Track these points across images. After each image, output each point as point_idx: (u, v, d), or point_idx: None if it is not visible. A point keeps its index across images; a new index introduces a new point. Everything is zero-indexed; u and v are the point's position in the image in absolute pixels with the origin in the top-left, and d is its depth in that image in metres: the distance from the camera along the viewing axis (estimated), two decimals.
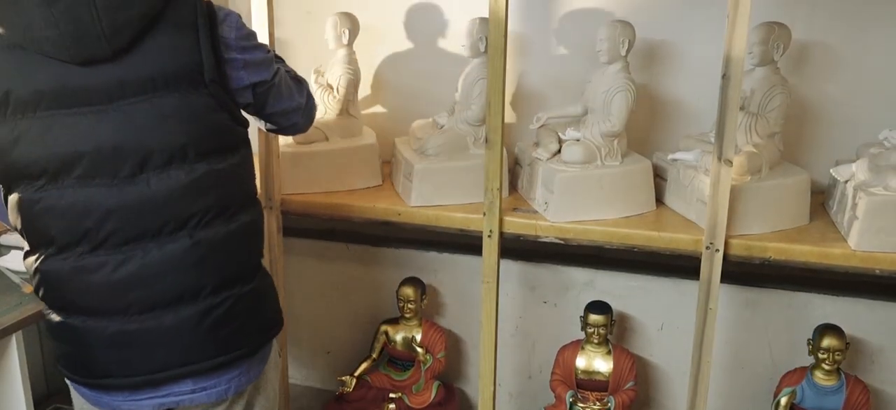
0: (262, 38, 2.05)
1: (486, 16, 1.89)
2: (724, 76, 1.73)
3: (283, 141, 2.20)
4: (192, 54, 1.31)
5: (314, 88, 2.28)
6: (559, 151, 2.05)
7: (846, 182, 1.91)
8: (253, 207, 1.47)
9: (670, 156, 2.09)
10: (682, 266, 2.15)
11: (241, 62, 1.39)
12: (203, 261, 1.36)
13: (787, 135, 2.04)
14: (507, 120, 1.99)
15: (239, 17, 1.41)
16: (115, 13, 1.24)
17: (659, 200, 2.09)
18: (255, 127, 1.58)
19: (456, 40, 2.30)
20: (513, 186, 2.21)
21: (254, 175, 1.49)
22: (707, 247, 1.84)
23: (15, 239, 1.97)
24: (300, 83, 1.62)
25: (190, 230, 1.35)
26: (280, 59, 1.62)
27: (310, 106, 1.64)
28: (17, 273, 1.83)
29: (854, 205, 1.82)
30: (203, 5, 1.33)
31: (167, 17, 1.30)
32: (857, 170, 1.88)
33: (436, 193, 2.10)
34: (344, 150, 2.24)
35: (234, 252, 1.41)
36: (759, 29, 1.93)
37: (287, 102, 1.55)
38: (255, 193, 1.50)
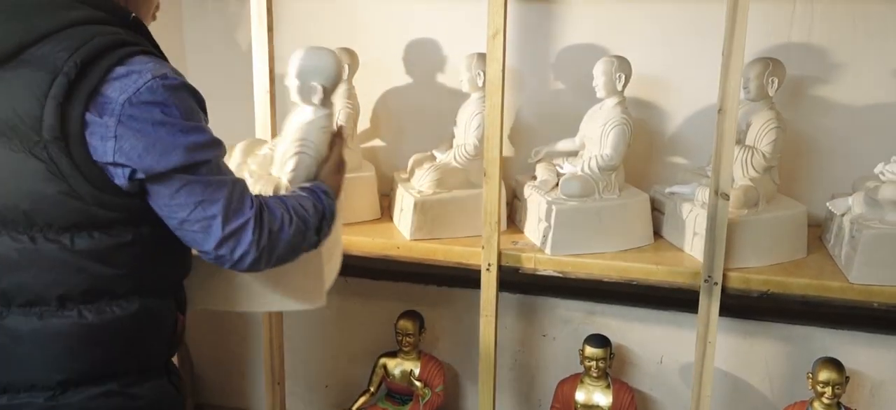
0: (262, 73, 2.06)
1: (484, 51, 1.91)
2: (719, 110, 1.74)
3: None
4: (34, 103, 1.09)
5: None
6: (557, 185, 2.06)
7: (843, 215, 1.92)
8: (140, 297, 1.24)
9: (667, 190, 2.10)
10: (680, 299, 2.14)
11: (112, 132, 1.11)
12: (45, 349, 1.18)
13: (784, 168, 2.06)
14: (505, 153, 2.00)
15: (161, 81, 1.13)
16: None
17: (657, 233, 2.10)
18: None
19: (454, 75, 2.32)
20: (511, 220, 2.22)
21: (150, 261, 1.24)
22: (705, 280, 1.84)
23: None
24: (243, 199, 1.23)
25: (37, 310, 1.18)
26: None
27: (244, 225, 1.21)
28: None
29: (851, 239, 1.83)
30: (88, 51, 1.10)
31: (33, 57, 1.10)
32: (854, 204, 1.89)
33: (434, 227, 2.10)
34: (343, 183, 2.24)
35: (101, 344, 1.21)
36: (753, 64, 1.95)
37: (192, 210, 1.17)
38: (151, 283, 1.25)
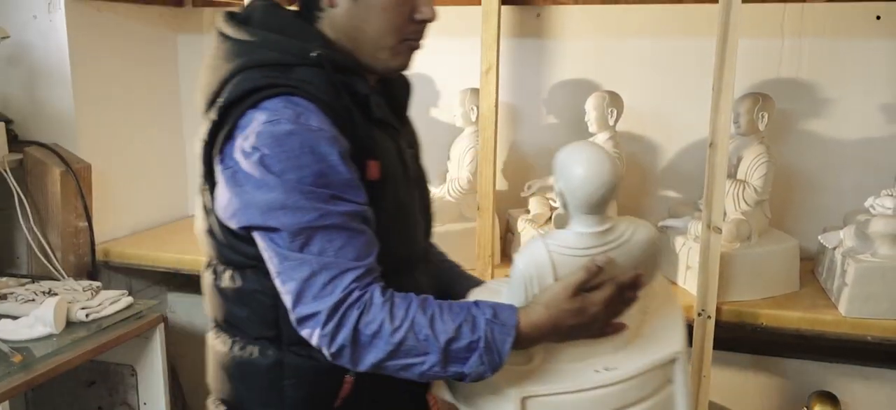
0: None
1: (477, 86, 1.93)
2: (711, 145, 1.76)
3: None
4: (200, 143, 1.13)
5: None
6: (551, 218, 2.07)
7: (835, 249, 1.93)
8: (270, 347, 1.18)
9: (661, 224, 2.10)
10: None
11: (221, 177, 1.09)
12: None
13: (775, 202, 2.07)
14: (498, 187, 2.01)
15: (269, 127, 1.03)
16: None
17: None
18: None
19: (447, 110, 2.34)
20: (505, 253, 2.22)
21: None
22: (699, 314, 1.85)
23: (5, 307, 1.96)
24: (332, 281, 1.05)
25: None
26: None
27: (315, 319, 1.05)
28: (6, 342, 1.81)
29: (843, 272, 1.84)
30: (230, 95, 1.08)
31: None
32: (845, 237, 1.90)
33: None
34: None
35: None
36: (743, 99, 1.97)
37: (278, 279, 1.08)
38: (288, 335, 1.15)
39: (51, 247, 2.19)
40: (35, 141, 2.24)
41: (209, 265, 1.22)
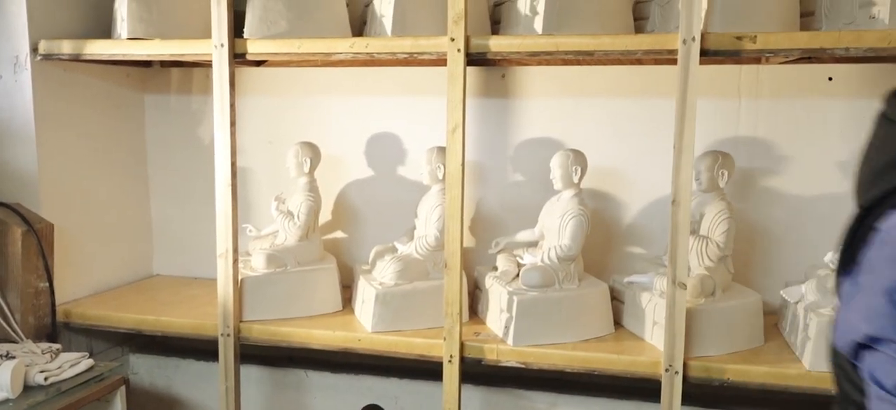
0: (224, 166, 2.08)
1: (444, 145, 1.95)
2: (673, 202, 1.79)
3: (242, 264, 2.20)
4: None
5: (275, 215, 2.30)
6: (518, 275, 2.08)
7: (797, 303, 1.96)
8: None
9: (626, 279, 2.13)
10: (643, 388, 2.15)
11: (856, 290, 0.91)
12: None
13: (737, 257, 2.10)
14: (466, 244, 2.02)
15: None
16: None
17: (617, 323, 2.11)
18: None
19: (414, 168, 2.35)
20: (473, 311, 2.22)
21: None
22: (666, 370, 1.86)
23: None
24: None
25: None
26: None
27: None
28: None
29: (806, 326, 1.86)
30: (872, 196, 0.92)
31: None
32: (807, 292, 1.93)
33: (396, 319, 2.09)
34: (304, 276, 2.24)
35: None
36: (704, 157, 2.02)
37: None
38: None
39: (10, 309, 2.14)
40: None
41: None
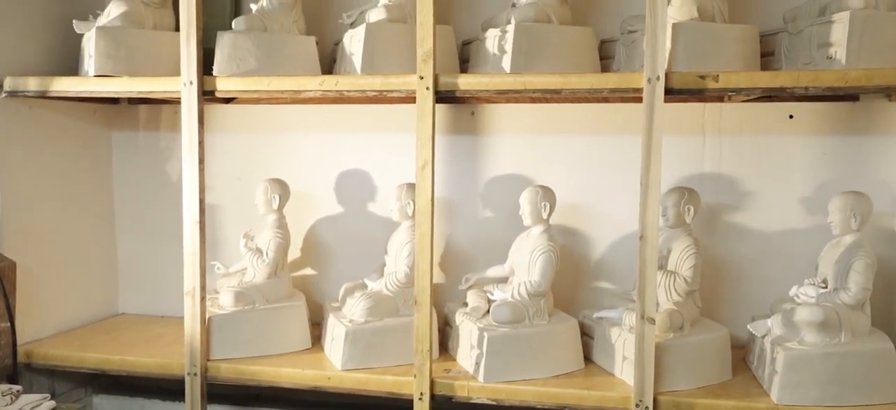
0: (192, 203, 2.07)
1: (413, 181, 1.96)
2: (641, 238, 1.81)
3: (209, 302, 2.17)
4: None
5: (243, 252, 2.28)
6: (488, 311, 2.08)
7: (764, 337, 1.98)
8: None
9: (596, 315, 2.14)
10: None
11: None
12: None
13: (704, 292, 2.13)
14: (435, 280, 2.02)
15: None
16: None
17: (587, 358, 2.12)
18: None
19: (384, 205, 2.36)
20: (443, 347, 2.21)
21: None
22: (636, 405, 1.86)
23: None
24: None
25: None
26: None
27: None
28: None
29: (773, 360, 1.88)
30: None
31: None
32: (773, 326, 1.96)
33: (365, 356, 2.08)
34: (272, 313, 2.22)
35: None
36: (670, 193, 2.05)
37: None
38: None
39: None
40: None
41: None
